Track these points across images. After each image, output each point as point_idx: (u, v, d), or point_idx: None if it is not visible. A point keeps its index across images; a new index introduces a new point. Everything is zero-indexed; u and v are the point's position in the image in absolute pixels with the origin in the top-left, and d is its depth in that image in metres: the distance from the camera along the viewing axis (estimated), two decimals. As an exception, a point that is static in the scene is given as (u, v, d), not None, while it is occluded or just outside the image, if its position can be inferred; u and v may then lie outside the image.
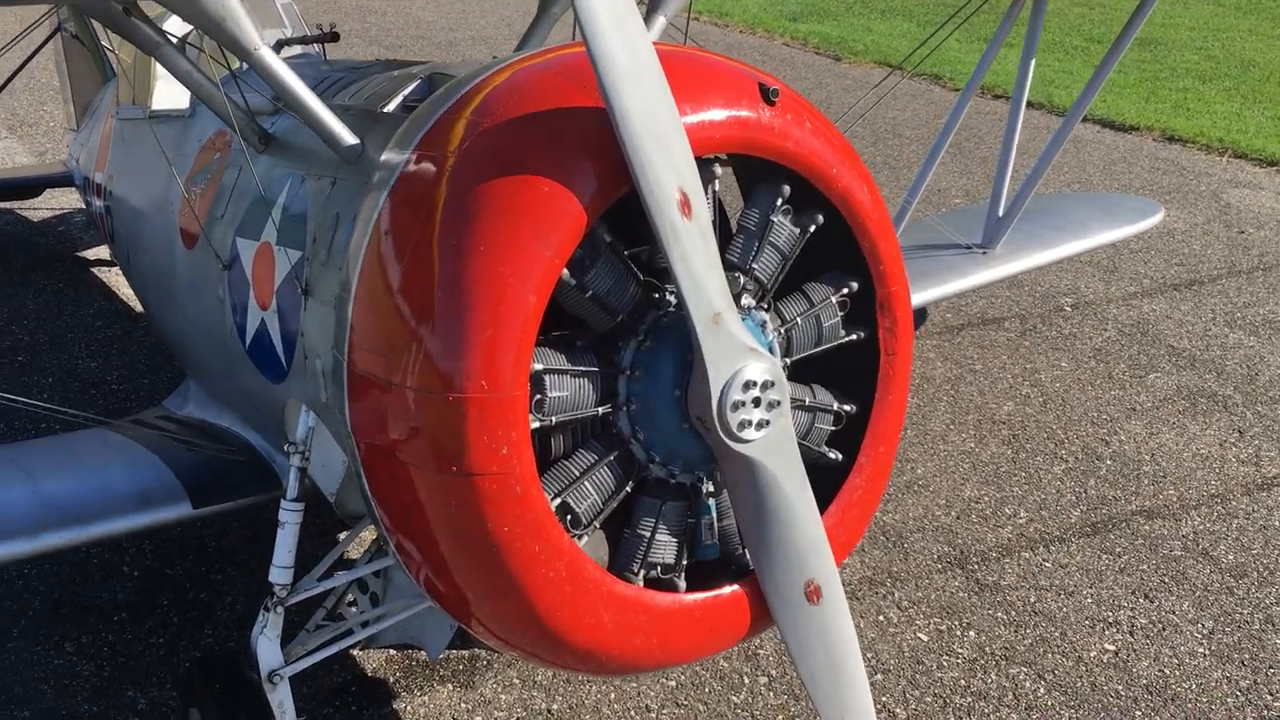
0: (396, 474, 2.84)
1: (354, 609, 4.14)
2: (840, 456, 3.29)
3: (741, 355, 2.80)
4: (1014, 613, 4.80)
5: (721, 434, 2.82)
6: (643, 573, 3.03)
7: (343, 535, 4.97)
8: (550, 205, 2.69)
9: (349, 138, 3.37)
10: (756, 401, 2.82)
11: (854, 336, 3.28)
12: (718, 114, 2.87)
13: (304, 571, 3.64)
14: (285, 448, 3.60)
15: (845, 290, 3.22)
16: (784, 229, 3.09)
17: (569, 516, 2.90)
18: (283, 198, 3.74)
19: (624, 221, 2.86)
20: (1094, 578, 5.03)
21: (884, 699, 4.29)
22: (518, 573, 2.78)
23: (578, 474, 2.92)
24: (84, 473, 4.02)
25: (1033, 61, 6.16)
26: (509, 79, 2.96)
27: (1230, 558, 5.20)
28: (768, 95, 2.96)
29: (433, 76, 3.62)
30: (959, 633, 4.67)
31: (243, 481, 4.07)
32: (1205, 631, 4.72)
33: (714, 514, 3.15)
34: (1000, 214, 6.04)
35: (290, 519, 3.60)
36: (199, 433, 4.47)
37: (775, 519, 2.98)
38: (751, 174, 3.13)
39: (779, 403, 2.87)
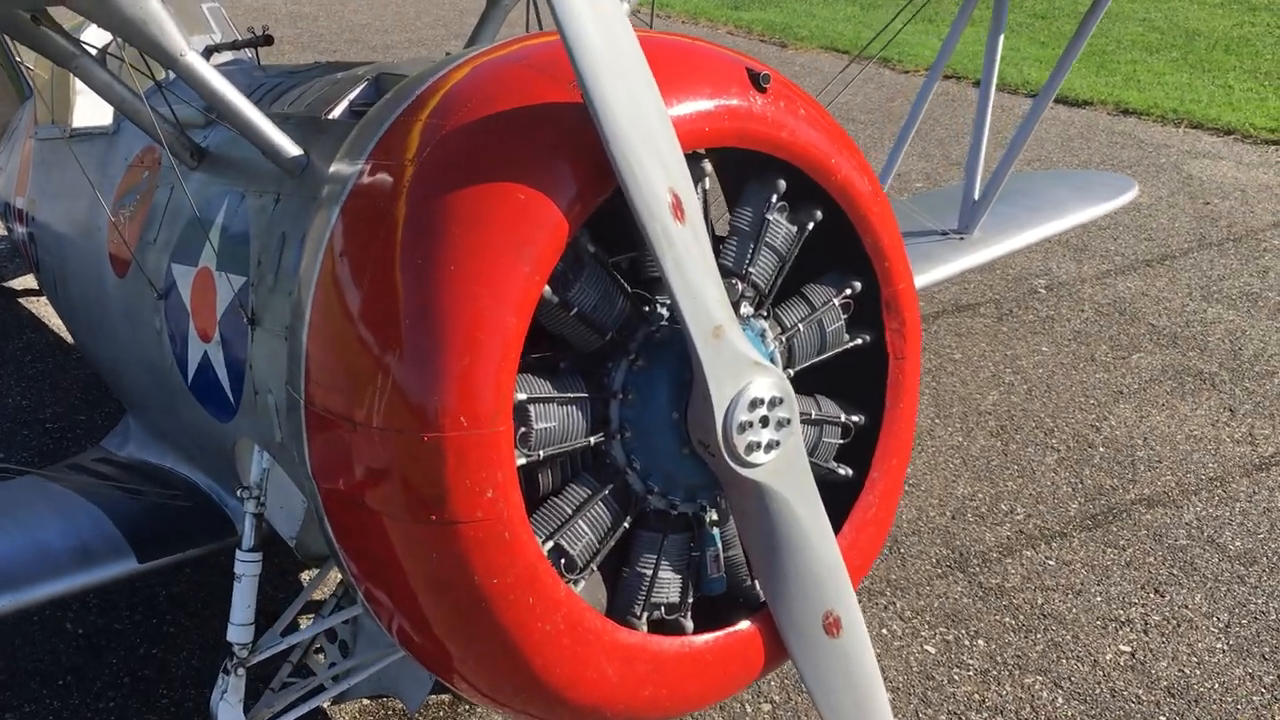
0: (366, 523, 2.53)
1: (322, 659, 3.81)
2: (850, 472, 3.01)
3: (746, 370, 2.52)
4: (1022, 617, 4.56)
5: (728, 459, 2.54)
6: (646, 615, 2.74)
7: (305, 577, 4.64)
8: (527, 215, 2.38)
9: (291, 149, 3.05)
10: (765, 421, 2.55)
11: (859, 341, 3.01)
12: (706, 104, 2.58)
13: (264, 622, 3.31)
14: (239, 492, 3.27)
15: (848, 291, 2.95)
16: (780, 228, 2.81)
17: (562, 560, 2.60)
18: (221, 218, 3.40)
19: (603, 226, 2.57)
20: (1100, 574, 4.80)
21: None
22: (510, 628, 2.48)
23: (570, 512, 2.62)
24: (15, 529, 3.65)
25: (1000, 40, 5.94)
26: (470, 76, 2.65)
27: (1237, 544, 4.99)
28: (758, 81, 2.68)
29: (380, 77, 3.29)
30: (967, 642, 4.42)
31: (191, 530, 3.73)
32: (1221, 625, 4.51)
33: (719, 545, 2.87)
34: (976, 198, 5.81)
35: (247, 571, 3.27)
36: (141, 476, 4.11)
37: (788, 547, 2.70)
38: (740, 168, 2.84)
39: (789, 420, 2.59)
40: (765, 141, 2.68)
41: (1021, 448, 5.73)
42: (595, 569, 2.68)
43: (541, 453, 2.53)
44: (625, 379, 2.63)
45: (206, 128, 3.76)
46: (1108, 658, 4.34)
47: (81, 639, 4.46)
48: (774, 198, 2.77)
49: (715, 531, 2.84)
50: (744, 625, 2.82)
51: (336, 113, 3.24)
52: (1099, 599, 4.66)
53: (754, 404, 2.52)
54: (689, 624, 2.80)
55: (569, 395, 2.57)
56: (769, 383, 2.54)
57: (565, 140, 2.44)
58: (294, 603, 3.49)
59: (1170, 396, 6.21)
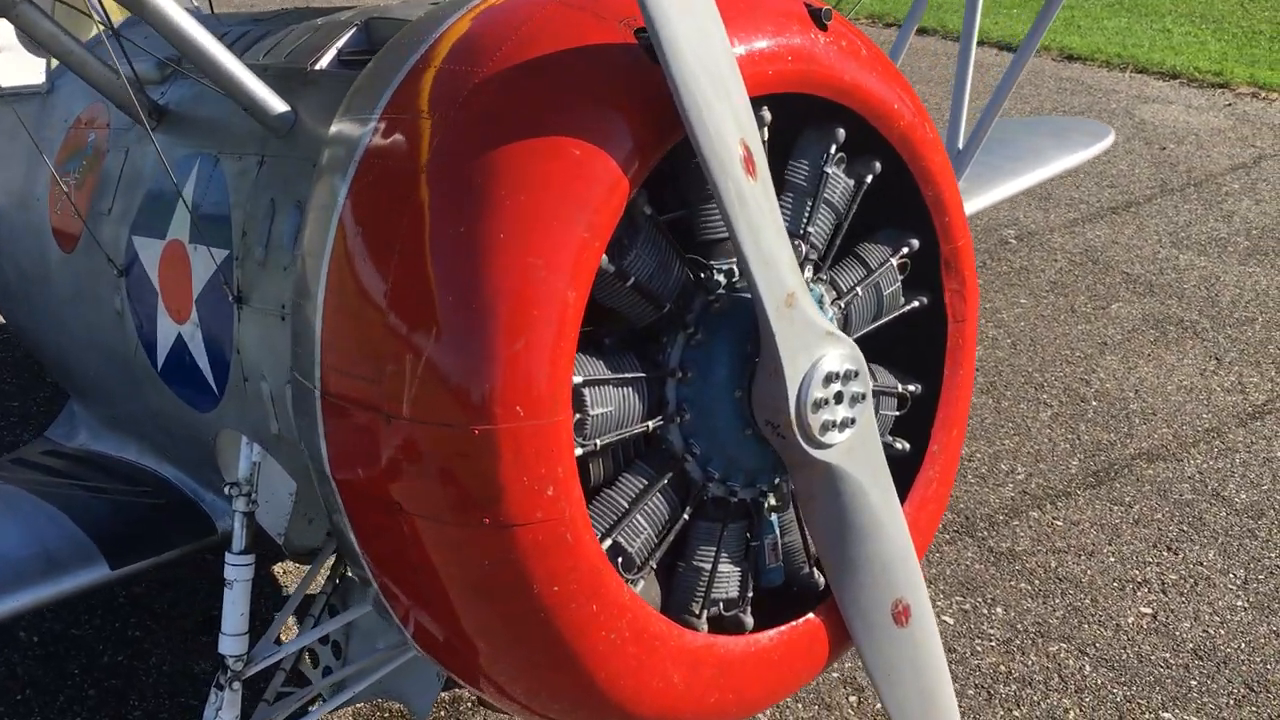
0: (399, 527, 2.23)
1: (309, 662, 3.51)
2: (907, 446, 2.78)
3: (819, 342, 2.27)
4: (1037, 582, 4.40)
5: (800, 440, 2.29)
6: (705, 613, 2.49)
7: (279, 569, 4.31)
8: (583, 173, 2.09)
9: (277, 104, 2.71)
10: (838, 397, 2.30)
11: (916, 303, 2.76)
12: (767, 44, 2.30)
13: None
14: (226, 490, 2.95)
15: (905, 250, 2.70)
16: (839, 182, 2.55)
17: (620, 559, 2.33)
18: (191, 184, 3.04)
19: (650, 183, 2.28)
20: (1110, 533, 4.67)
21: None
22: (572, 639, 2.21)
23: (626, 506, 2.35)
24: (-36, 537, 3.27)
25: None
26: (492, 18, 2.34)
27: (1243, 497, 4.88)
28: (819, 18, 2.40)
29: (370, 23, 2.95)
30: (985, 611, 4.25)
31: (166, 529, 3.38)
32: (1239, 582, 4.39)
33: (777, 531, 2.62)
34: (960, 147, 5.59)
35: (239, 576, 2.96)
36: (101, 471, 3.74)
37: (859, 533, 2.47)
38: (790, 114, 2.55)
39: (863, 396, 2.34)
40: (828, 86, 2.41)
41: (1014, 404, 5.57)
42: (654, 567, 2.42)
43: (598, 441, 2.25)
44: (682, 355, 2.36)
45: (163, 83, 3.37)
46: (1129, 620, 4.20)
47: (38, 648, 4.09)
48: (833, 148, 2.50)
49: (773, 517, 2.59)
50: (808, 617, 2.59)
51: (323, 63, 2.89)
52: (1112, 559, 4.52)
53: (828, 378, 2.27)
54: (749, 619, 2.55)
55: (626, 376, 2.29)
56: (842, 354, 2.30)
57: (620, 87, 2.15)
58: (285, 606, 3.20)
59: (1154, 346, 6.10)
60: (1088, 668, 3.98)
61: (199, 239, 2.96)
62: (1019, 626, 4.18)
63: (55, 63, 4.17)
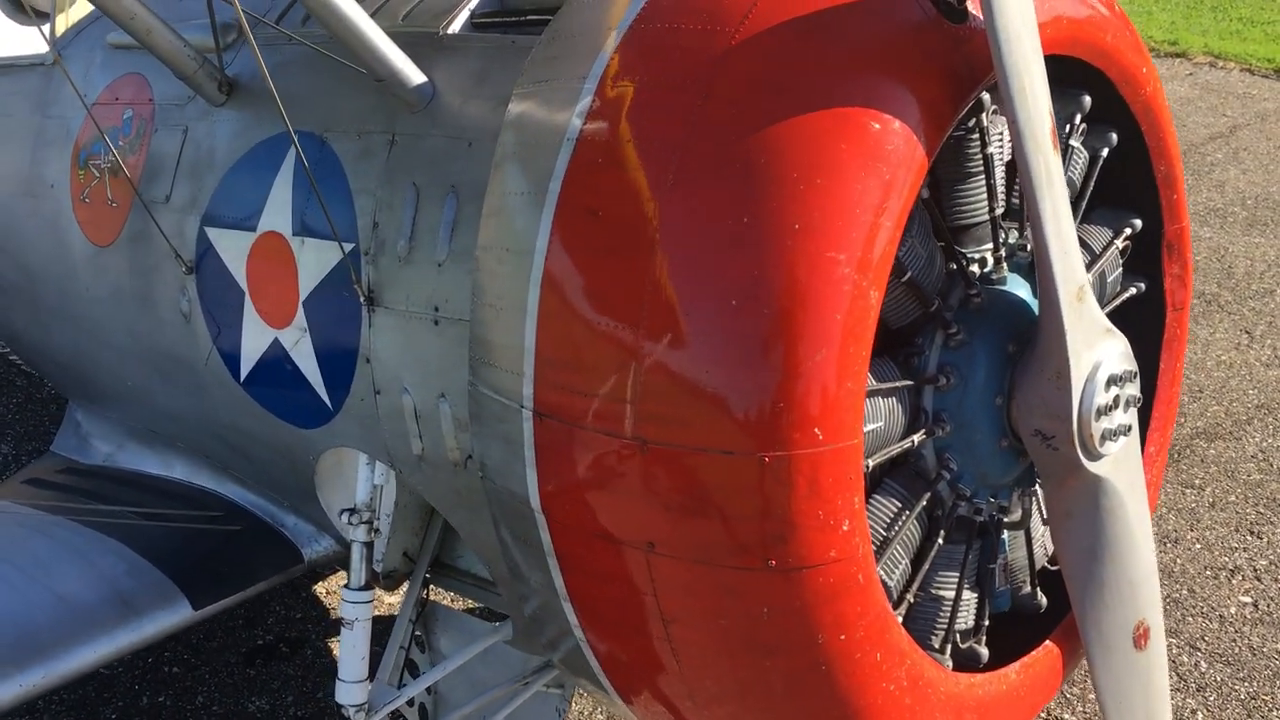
0: (644, 573, 1.90)
1: (411, 704, 3.15)
2: (1123, 448, 2.52)
3: (1099, 339, 2.00)
4: (1129, 572, 4.21)
5: (1079, 451, 2.01)
6: (948, 648, 2.21)
7: (321, 589, 3.91)
8: (881, 151, 1.77)
9: (415, 75, 2.34)
10: (1116, 401, 2.03)
11: (1134, 290, 2.51)
12: (1043, 3, 2.00)
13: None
14: (347, 517, 2.58)
15: (1129, 231, 2.44)
16: (1080, 156, 2.28)
17: (878, 594, 2.03)
18: (289, 169, 2.64)
19: None
20: (1190, 519, 4.51)
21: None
22: (852, 694, 1.92)
23: (884, 533, 2.05)
24: (22, 579, 2.83)
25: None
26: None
27: (1310, 475, 4.78)
28: (1083, -30, 2.12)
29: (501, -20, 2.57)
30: (1085, 606, 4.04)
31: (247, 560, 2.99)
32: (1330, 564, 4.27)
33: (1007, 551, 2.35)
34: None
35: (359, 614, 2.64)
36: (151, 493, 3.30)
37: (1113, 550, 2.21)
38: None
39: (1138, 400, 2.08)
40: (1092, 48, 2.14)
41: (1060, 384, 5.39)
42: (912, 601, 2.12)
43: (870, 462, 1.94)
44: (941, 358, 2.06)
45: (230, 50, 2.94)
46: (1232, 611, 4.04)
47: (66, 692, 3.64)
48: (1077, 119, 2.23)
49: (1005, 536, 2.32)
50: (1046, 644, 2.33)
51: (455, 27, 2.50)
52: (1198, 546, 4.36)
53: (1110, 381, 2.00)
54: (984, 650, 2.28)
55: (893, 385, 1.99)
56: (1121, 353, 2.04)
57: (910, 48, 1.84)
58: (389, 645, 2.85)
59: (1184, 321, 5.97)
60: (1203, 664, 3.81)
61: (306, 230, 2.56)
62: (1122, 621, 3.98)
63: (61, 30, 3.68)
